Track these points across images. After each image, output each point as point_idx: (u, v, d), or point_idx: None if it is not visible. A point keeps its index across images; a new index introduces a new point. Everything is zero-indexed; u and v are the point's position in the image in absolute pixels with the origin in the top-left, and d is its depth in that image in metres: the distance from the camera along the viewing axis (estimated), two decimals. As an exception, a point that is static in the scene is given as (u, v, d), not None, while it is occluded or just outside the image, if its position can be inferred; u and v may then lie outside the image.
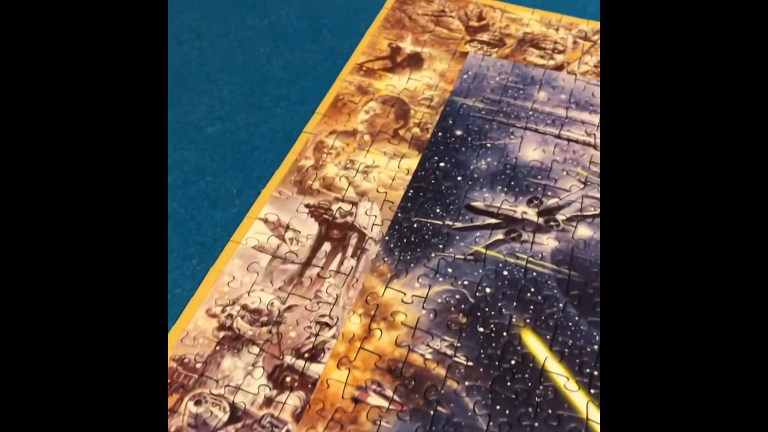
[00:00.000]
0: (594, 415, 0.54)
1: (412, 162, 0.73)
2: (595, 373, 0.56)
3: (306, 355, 0.57)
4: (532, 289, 0.62)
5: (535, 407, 0.54)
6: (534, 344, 0.58)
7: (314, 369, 0.56)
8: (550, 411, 0.54)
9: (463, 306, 0.60)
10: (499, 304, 0.61)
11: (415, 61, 0.85)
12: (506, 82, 0.82)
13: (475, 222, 0.67)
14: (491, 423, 0.53)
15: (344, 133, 0.76)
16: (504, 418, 0.54)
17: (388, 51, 0.86)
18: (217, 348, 0.57)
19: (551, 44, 0.87)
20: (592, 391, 0.55)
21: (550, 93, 0.80)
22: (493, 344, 0.58)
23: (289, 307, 0.60)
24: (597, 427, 0.53)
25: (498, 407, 0.54)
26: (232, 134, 0.77)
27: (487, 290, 0.62)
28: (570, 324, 0.59)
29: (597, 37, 0.88)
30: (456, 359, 0.57)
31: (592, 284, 0.62)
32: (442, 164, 0.72)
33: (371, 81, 0.82)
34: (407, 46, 0.87)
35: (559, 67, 0.84)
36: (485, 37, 0.89)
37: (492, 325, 0.59)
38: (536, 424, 0.53)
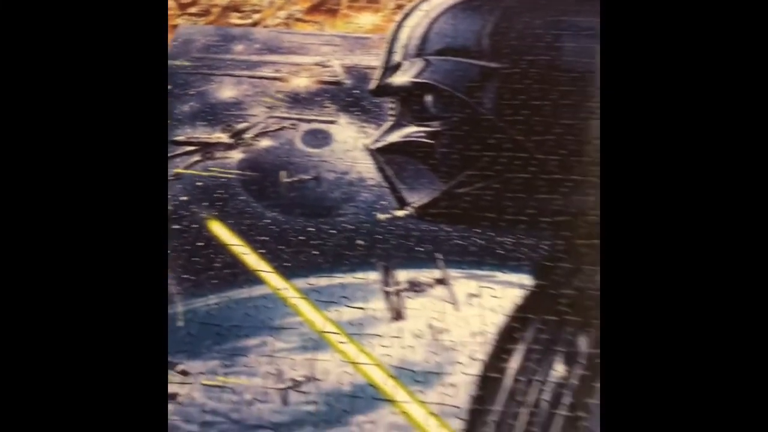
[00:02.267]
0: (277, 282, 0.69)
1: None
2: (265, 239, 0.71)
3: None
4: (221, 191, 0.76)
5: (217, 271, 0.69)
6: (220, 230, 0.72)
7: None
8: (229, 271, 0.69)
9: (161, 213, 0.74)
10: (192, 206, 0.75)
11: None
12: (209, 43, 0.96)
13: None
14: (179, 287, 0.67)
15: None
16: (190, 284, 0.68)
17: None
18: None
19: (250, 7, 1.03)
20: (270, 263, 0.70)
21: (246, 45, 0.96)
22: (185, 234, 0.72)
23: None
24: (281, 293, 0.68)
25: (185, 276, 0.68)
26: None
27: (183, 198, 0.75)
28: (249, 210, 0.74)
29: (289, -4, 1.05)
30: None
31: (268, 179, 0.77)
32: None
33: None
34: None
35: (255, 24, 1.00)
36: (194, 10, 1.03)
37: (185, 222, 0.73)
38: (216, 281, 0.68)
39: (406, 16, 0.96)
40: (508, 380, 0.58)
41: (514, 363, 0.59)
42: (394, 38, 0.92)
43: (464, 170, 0.76)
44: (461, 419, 0.56)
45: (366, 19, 0.98)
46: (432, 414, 0.56)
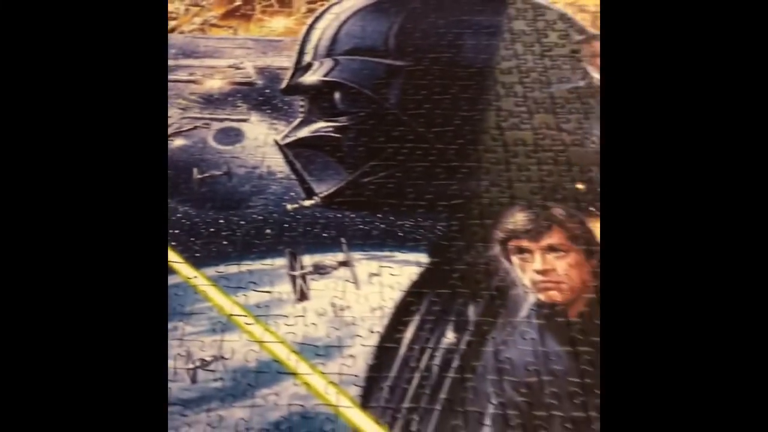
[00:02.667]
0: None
1: None
2: (176, 231, 0.74)
3: None
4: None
5: None
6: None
7: None
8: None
9: None
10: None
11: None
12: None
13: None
14: None
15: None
16: None
17: None
18: None
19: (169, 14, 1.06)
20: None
21: (162, 50, 0.99)
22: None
23: None
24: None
25: None
26: None
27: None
28: (163, 206, 0.77)
29: (205, 2, 1.08)
30: None
31: (181, 177, 0.81)
32: None
33: None
34: None
35: (172, 30, 1.03)
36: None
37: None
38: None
39: (317, 18, 1.01)
40: (402, 349, 0.62)
41: (408, 333, 0.64)
42: (305, 40, 0.97)
43: (369, 161, 0.81)
44: (359, 386, 0.60)
45: (278, 23, 1.02)
46: (331, 383, 0.60)
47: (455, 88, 0.89)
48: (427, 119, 0.85)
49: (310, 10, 1.03)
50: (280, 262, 0.70)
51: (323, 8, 1.02)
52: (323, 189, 0.78)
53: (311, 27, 0.99)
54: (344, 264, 0.70)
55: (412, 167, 0.79)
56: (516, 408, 0.58)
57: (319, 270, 0.69)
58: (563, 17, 1.00)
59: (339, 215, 0.75)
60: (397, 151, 0.81)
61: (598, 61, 0.92)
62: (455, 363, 0.62)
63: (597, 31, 0.97)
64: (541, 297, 0.66)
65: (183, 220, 0.75)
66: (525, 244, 0.71)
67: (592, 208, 0.74)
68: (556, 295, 0.66)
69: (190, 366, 0.62)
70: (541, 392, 0.59)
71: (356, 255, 0.71)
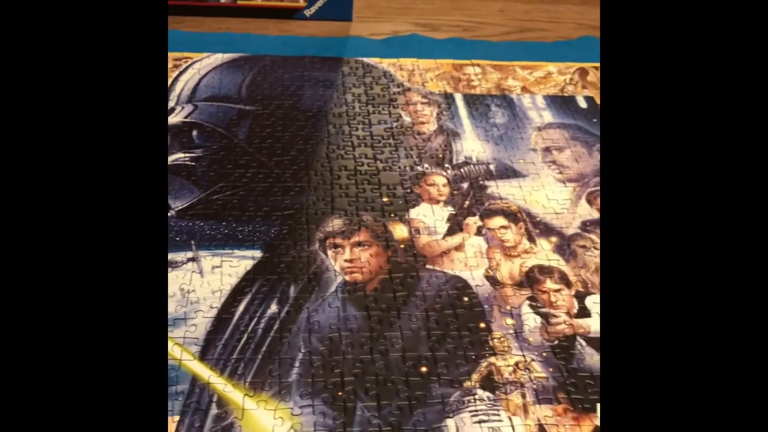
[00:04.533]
0: None
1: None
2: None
3: None
4: None
5: None
6: None
7: None
8: None
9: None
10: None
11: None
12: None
13: None
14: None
15: None
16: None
17: None
18: None
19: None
20: None
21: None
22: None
23: None
24: None
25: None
26: None
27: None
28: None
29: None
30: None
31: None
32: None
33: None
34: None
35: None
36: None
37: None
38: None
39: (181, 72, 1.20)
40: (235, 318, 0.80)
41: (241, 307, 0.82)
42: (170, 89, 1.16)
43: (218, 183, 0.99)
44: (198, 346, 0.77)
45: (147, 75, 1.21)
46: (177, 344, 0.77)
47: (293, 128, 1.11)
48: (269, 151, 1.05)
49: (176, 66, 1.22)
50: (139, 259, 0.86)
51: (187, 64, 1.22)
52: (178, 204, 0.95)
53: (176, 79, 1.18)
54: (192, 260, 0.87)
55: (254, 187, 0.99)
56: (319, 354, 0.77)
57: (171, 265, 0.86)
58: (386, 74, 1.25)
59: (191, 224, 0.92)
60: (242, 175, 1.01)
61: (409, 107, 1.17)
62: (276, 326, 0.80)
63: (410, 85, 1.22)
64: (347, 278, 0.86)
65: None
66: (339, 241, 0.91)
67: (393, 215, 0.96)
68: (358, 277, 0.87)
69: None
70: (340, 342, 0.79)
71: (202, 253, 0.88)
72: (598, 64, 1.33)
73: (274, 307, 0.83)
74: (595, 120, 1.19)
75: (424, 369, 0.77)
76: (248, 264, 0.88)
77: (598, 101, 1.24)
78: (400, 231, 0.95)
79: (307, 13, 1.40)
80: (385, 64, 1.29)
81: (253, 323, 0.80)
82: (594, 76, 1.30)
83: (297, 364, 0.77)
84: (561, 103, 1.22)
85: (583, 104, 1.22)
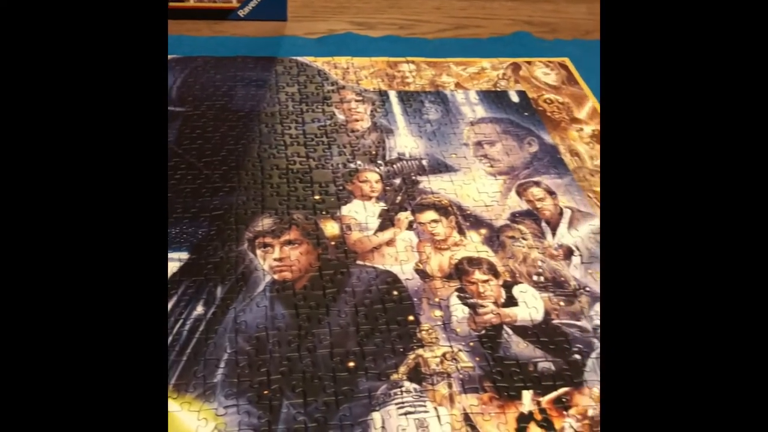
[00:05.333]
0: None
1: None
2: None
3: None
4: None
5: None
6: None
7: None
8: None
9: None
10: None
11: None
12: None
13: None
14: None
15: None
16: None
17: None
18: None
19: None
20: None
21: None
22: None
23: None
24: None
25: None
26: None
27: None
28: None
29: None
30: None
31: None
32: None
33: None
34: None
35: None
36: None
37: None
38: None
39: (109, 75, 1.18)
40: (159, 321, 0.79)
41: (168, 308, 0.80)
42: (97, 92, 1.13)
43: (146, 186, 0.98)
44: (120, 350, 0.76)
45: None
46: (97, 350, 0.75)
47: (224, 128, 1.10)
48: (199, 151, 1.04)
49: (104, 68, 1.20)
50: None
51: (115, 66, 1.20)
52: (104, 208, 0.93)
53: (104, 82, 1.16)
54: (117, 264, 0.86)
55: (182, 189, 0.98)
56: (245, 354, 0.77)
57: (95, 269, 0.84)
58: (320, 72, 1.25)
59: (116, 228, 0.90)
60: (170, 177, 0.99)
61: (343, 105, 1.17)
62: (201, 327, 0.79)
63: (345, 83, 1.23)
64: (276, 277, 0.86)
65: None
66: (268, 240, 0.91)
67: (324, 212, 0.96)
68: (287, 275, 0.86)
69: None
70: (267, 341, 0.78)
71: (128, 256, 0.87)
72: (530, 59, 1.36)
73: (200, 309, 0.82)
74: (526, 114, 1.21)
75: (351, 364, 0.77)
76: (174, 266, 0.86)
77: (530, 95, 1.26)
78: (331, 228, 0.95)
79: (241, 13, 1.39)
80: (319, 62, 1.28)
81: (178, 326, 0.79)
82: (526, 71, 1.32)
83: (222, 364, 0.76)
84: (493, 97, 1.24)
85: (515, 98, 1.24)
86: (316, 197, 0.99)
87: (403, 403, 0.74)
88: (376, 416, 0.73)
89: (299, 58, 1.29)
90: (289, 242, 0.91)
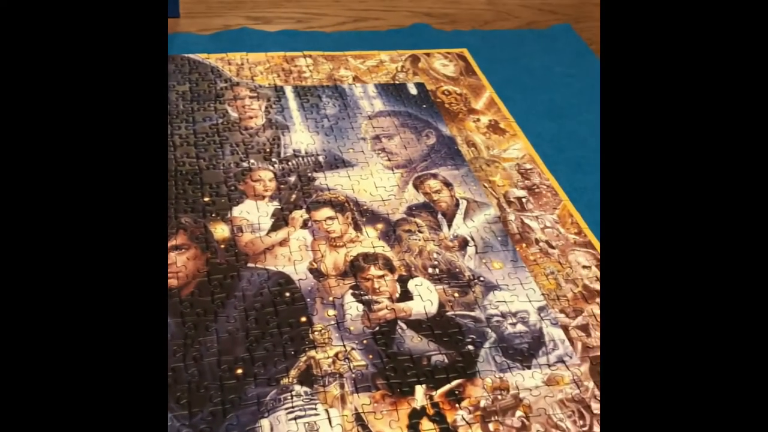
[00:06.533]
0: None
1: None
2: None
3: None
4: None
5: None
6: None
7: None
8: None
9: None
10: None
11: None
12: None
13: None
14: None
15: None
16: None
17: None
18: None
19: None
20: None
21: None
22: None
23: None
24: None
25: None
26: None
27: None
28: None
29: None
30: None
31: None
32: None
33: None
34: None
35: None
36: None
37: None
38: None
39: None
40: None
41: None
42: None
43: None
44: (-15, 374, 0.70)
45: None
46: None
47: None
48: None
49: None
50: None
51: None
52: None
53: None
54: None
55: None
56: (125, 368, 0.72)
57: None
58: (214, 69, 1.21)
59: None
60: (47, 184, 0.93)
61: (237, 102, 1.14)
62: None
63: (239, 80, 1.19)
64: (161, 285, 0.82)
65: None
66: (153, 246, 0.86)
67: (214, 215, 0.92)
68: (173, 282, 0.82)
69: None
70: (148, 353, 0.74)
71: None
72: (429, 51, 1.36)
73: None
74: (424, 106, 1.20)
75: (239, 371, 0.75)
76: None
77: (428, 87, 1.25)
78: (221, 231, 0.91)
79: (128, 9, 1.33)
80: (212, 59, 1.24)
81: (50, 343, 0.74)
82: (425, 63, 1.32)
83: (99, 381, 0.72)
84: (392, 90, 1.23)
85: (413, 91, 1.24)
86: (206, 199, 0.96)
87: (293, 407, 0.72)
88: (265, 423, 0.70)
89: (192, 56, 1.24)
90: (176, 248, 0.87)
